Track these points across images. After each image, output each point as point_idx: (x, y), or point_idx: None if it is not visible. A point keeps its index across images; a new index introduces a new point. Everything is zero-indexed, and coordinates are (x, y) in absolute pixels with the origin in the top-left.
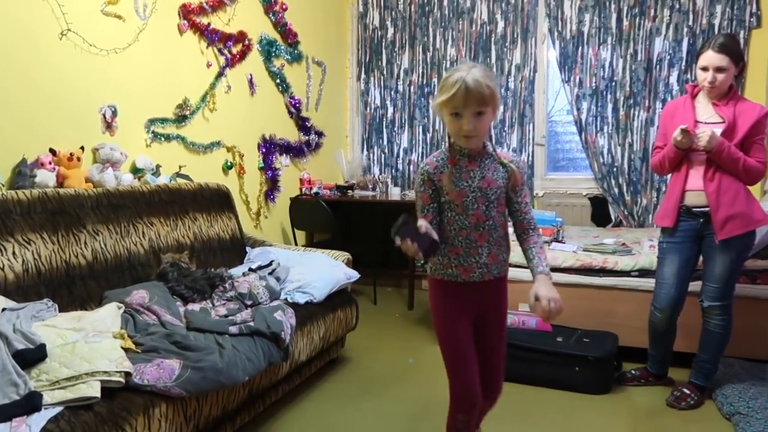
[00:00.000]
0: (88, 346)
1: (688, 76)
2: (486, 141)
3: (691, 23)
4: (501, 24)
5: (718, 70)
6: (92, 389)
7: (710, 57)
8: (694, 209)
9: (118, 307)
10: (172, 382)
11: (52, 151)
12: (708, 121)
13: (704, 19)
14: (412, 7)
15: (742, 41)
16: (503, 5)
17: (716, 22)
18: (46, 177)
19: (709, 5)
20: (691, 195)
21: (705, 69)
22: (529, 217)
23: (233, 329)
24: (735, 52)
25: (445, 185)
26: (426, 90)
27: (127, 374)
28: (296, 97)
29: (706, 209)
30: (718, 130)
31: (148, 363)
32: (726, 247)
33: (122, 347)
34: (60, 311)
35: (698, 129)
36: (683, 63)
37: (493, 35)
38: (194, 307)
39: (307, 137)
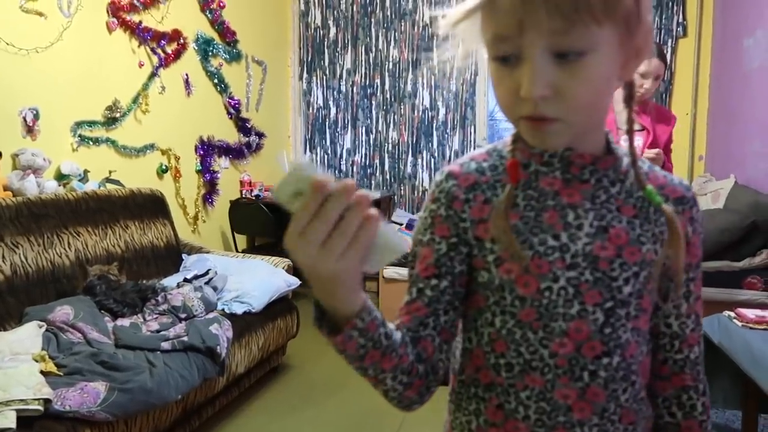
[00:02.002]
0: (2, 372)
1: None
2: (609, 134)
3: None
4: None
5: (657, 78)
6: (7, 420)
7: (654, 64)
8: None
9: (38, 326)
10: (97, 406)
11: None
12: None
13: None
14: (355, 7)
15: (669, 50)
16: (445, 9)
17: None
18: None
19: None
20: None
21: (644, 75)
22: (694, 356)
23: (165, 345)
24: (664, 54)
25: (494, 235)
26: (369, 91)
27: (47, 401)
28: (236, 98)
29: None
30: (640, 139)
31: (71, 387)
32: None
33: (42, 371)
34: None
35: (623, 138)
36: None
37: (435, 37)
38: (124, 322)
39: (247, 138)
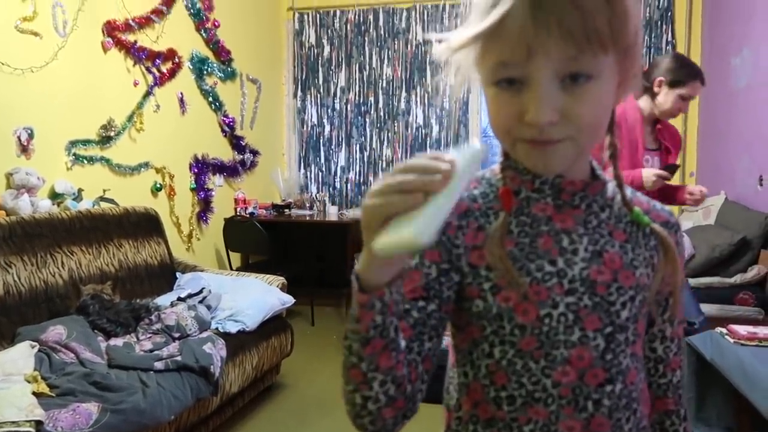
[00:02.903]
0: None
1: None
2: (594, 162)
3: None
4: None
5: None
6: None
7: (698, 89)
8: None
9: (31, 346)
10: (89, 428)
11: None
12: (650, 147)
13: None
14: (348, 26)
15: None
16: (437, 27)
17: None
18: None
19: None
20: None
21: (686, 98)
22: (676, 380)
23: (159, 365)
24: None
25: (490, 263)
26: (363, 108)
27: (39, 423)
28: (230, 116)
29: None
30: (657, 158)
31: (63, 408)
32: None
33: (34, 392)
34: None
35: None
36: None
37: (428, 56)
38: (117, 342)
39: (241, 156)
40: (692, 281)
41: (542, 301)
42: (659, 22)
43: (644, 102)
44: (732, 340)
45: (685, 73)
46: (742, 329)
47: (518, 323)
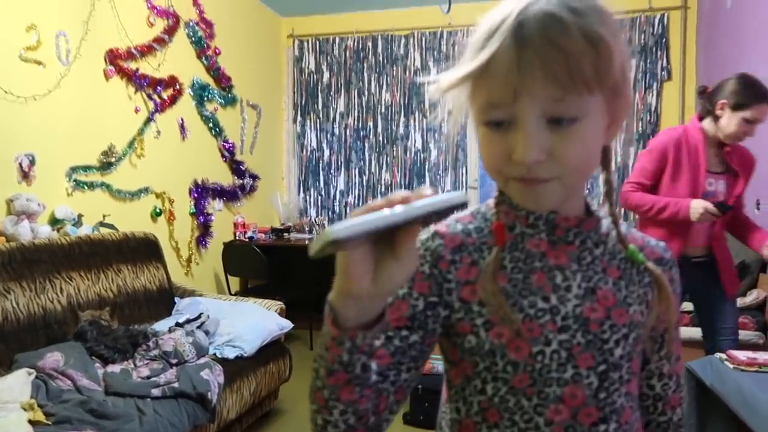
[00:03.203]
0: None
1: None
2: (589, 197)
3: None
4: (434, 70)
5: (761, 122)
6: None
7: (764, 111)
8: (693, 259)
9: (28, 373)
10: None
11: None
12: (715, 170)
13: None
14: (347, 52)
15: (655, 93)
16: (435, 53)
17: (632, 74)
18: None
19: None
20: (690, 248)
21: (752, 122)
22: (677, 418)
23: (156, 392)
24: None
25: (483, 298)
26: (362, 133)
27: None
28: (230, 141)
29: (703, 259)
30: (723, 182)
31: None
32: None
33: (30, 420)
34: None
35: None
36: None
37: (425, 84)
38: (114, 368)
39: (241, 180)
40: (689, 306)
41: (535, 338)
42: (654, 49)
43: (708, 124)
44: (732, 366)
45: (749, 95)
46: (742, 355)
47: (511, 360)
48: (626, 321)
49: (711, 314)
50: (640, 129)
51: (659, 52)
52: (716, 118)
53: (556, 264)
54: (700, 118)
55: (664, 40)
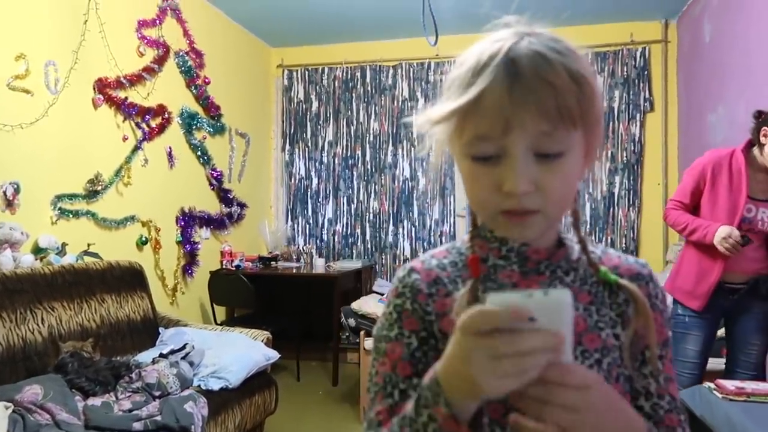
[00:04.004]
0: None
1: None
2: (562, 229)
3: None
4: (422, 101)
5: None
6: None
7: None
8: (727, 285)
9: (5, 407)
10: None
11: None
12: (759, 197)
13: (605, 103)
14: (336, 82)
15: (638, 123)
16: (422, 84)
17: (615, 105)
18: None
19: (608, 90)
20: (730, 274)
21: None
22: (676, 415)
23: (137, 425)
24: None
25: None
26: (350, 162)
27: None
28: (218, 169)
29: (740, 286)
30: (765, 210)
31: None
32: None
33: None
34: None
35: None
36: None
37: (414, 109)
38: (95, 401)
39: (229, 209)
40: None
41: None
42: (636, 81)
43: (756, 150)
44: (720, 396)
45: None
46: (730, 384)
47: None
48: (598, 346)
49: (737, 345)
50: (624, 159)
51: (642, 84)
52: (762, 146)
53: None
54: (752, 144)
55: (646, 73)
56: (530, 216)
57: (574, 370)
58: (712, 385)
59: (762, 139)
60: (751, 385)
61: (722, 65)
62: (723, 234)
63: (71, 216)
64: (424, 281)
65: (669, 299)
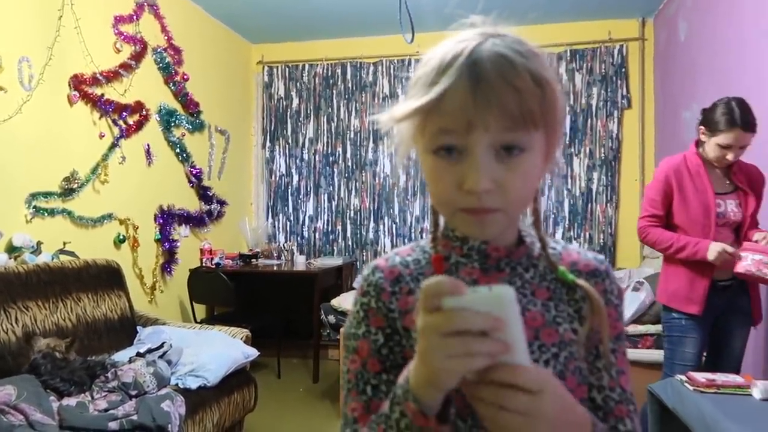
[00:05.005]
0: None
1: (573, 148)
2: (524, 226)
3: (572, 102)
4: (402, 98)
5: (743, 147)
6: None
7: (739, 136)
8: (719, 283)
9: None
10: None
11: None
12: (722, 191)
13: (583, 99)
14: (317, 79)
15: (615, 120)
16: (403, 81)
17: (593, 102)
18: None
19: (586, 87)
20: (717, 272)
21: (727, 147)
22: (624, 428)
23: (113, 425)
24: (755, 123)
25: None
26: (331, 159)
27: None
28: (197, 167)
29: (731, 282)
30: (733, 202)
31: None
32: (749, 325)
33: None
34: None
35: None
36: (566, 139)
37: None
38: (70, 401)
39: (208, 206)
40: (653, 328)
41: None
42: (614, 78)
43: (701, 148)
44: (691, 388)
45: (721, 120)
46: (701, 376)
47: None
48: (556, 340)
49: (722, 340)
50: (602, 155)
51: (619, 81)
52: (702, 143)
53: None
54: (697, 144)
55: (623, 70)
56: (490, 214)
57: (526, 372)
58: (683, 378)
59: (701, 137)
60: (721, 377)
61: (696, 63)
62: (718, 248)
63: (46, 214)
64: (387, 279)
65: (629, 294)
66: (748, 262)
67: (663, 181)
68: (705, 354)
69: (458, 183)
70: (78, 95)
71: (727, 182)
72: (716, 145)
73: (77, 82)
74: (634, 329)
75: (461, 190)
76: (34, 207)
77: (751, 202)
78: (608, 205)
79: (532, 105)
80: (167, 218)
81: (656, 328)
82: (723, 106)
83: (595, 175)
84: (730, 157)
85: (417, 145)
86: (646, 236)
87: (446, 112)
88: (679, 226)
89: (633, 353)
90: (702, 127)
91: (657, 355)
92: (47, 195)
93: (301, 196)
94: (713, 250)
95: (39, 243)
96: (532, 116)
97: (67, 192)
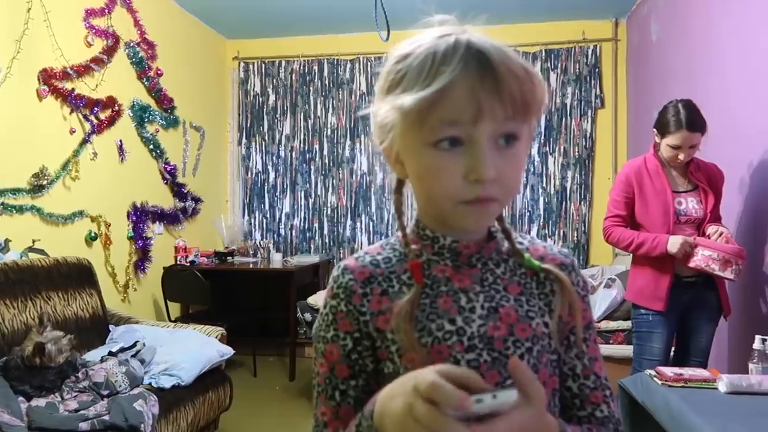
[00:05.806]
0: None
1: (547, 149)
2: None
3: (546, 102)
4: (381, 95)
5: (692, 147)
6: None
7: (686, 137)
8: (684, 279)
9: None
10: None
11: None
12: (682, 190)
13: (558, 99)
14: (293, 75)
15: (589, 120)
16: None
17: (568, 101)
18: None
19: (561, 87)
20: (680, 267)
21: (677, 148)
22: (601, 414)
23: (84, 425)
24: (703, 123)
25: (394, 329)
26: (308, 156)
27: None
28: (172, 163)
29: (695, 279)
30: (694, 199)
31: None
32: (716, 319)
33: None
34: None
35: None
36: (541, 137)
37: (372, 104)
38: (39, 402)
39: (183, 203)
40: (624, 324)
41: (444, 359)
42: (588, 78)
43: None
44: (660, 382)
45: (669, 122)
46: (669, 371)
47: None
48: (529, 335)
49: (689, 334)
50: (576, 154)
51: (593, 81)
52: (658, 144)
53: (461, 287)
54: (655, 146)
55: (597, 70)
56: (490, 204)
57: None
58: (652, 372)
59: (655, 138)
60: (688, 372)
61: (667, 64)
62: (679, 241)
63: (14, 211)
64: (359, 281)
65: (601, 291)
66: (698, 257)
67: (624, 183)
68: (673, 349)
69: (462, 174)
70: (48, 90)
71: (687, 181)
72: (667, 145)
73: (47, 77)
74: (606, 325)
75: (466, 181)
76: (2, 204)
77: (710, 199)
78: (582, 203)
79: (528, 94)
80: (141, 215)
81: (627, 325)
82: (671, 108)
83: (570, 173)
84: (681, 157)
85: (409, 140)
86: (609, 236)
87: (454, 101)
88: (641, 224)
89: (605, 349)
90: (654, 129)
91: (628, 350)
92: (15, 192)
93: (277, 194)
94: (674, 243)
95: (7, 241)
96: (528, 104)
97: (37, 188)
